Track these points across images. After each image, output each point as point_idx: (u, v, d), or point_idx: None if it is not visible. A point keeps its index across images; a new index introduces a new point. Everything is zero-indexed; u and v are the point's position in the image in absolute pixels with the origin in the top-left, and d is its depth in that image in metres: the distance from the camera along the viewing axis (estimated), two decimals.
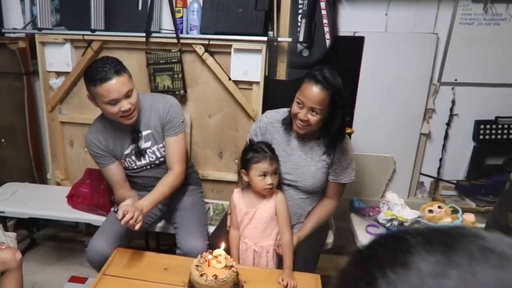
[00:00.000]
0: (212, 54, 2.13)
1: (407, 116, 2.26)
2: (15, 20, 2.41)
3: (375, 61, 2.18)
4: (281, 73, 2.19)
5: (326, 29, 2.05)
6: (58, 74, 2.37)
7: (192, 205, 1.91)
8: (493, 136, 2.25)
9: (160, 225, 2.00)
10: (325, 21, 2.06)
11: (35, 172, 2.66)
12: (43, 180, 2.67)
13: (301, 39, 2.05)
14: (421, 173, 2.40)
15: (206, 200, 2.17)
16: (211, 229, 1.92)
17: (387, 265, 0.36)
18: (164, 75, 2.16)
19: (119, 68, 1.55)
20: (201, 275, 1.34)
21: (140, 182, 1.88)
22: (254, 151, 1.57)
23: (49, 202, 2.24)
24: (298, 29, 2.06)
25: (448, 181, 2.39)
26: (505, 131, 2.25)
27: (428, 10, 2.12)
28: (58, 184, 2.54)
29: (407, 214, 1.93)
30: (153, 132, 1.75)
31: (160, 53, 2.14)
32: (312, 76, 1.49)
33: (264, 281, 1.49)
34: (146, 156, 1.79)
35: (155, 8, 2.11)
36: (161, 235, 2.26)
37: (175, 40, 2.11)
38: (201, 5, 2.09)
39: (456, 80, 2.21)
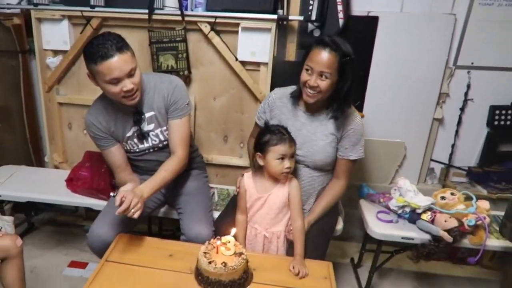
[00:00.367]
0: (218, 33, 2.03)
1: (420, 101, 2.18)
2: None
3: (388, 42, 2.09)
4: (291, 54, 2.10)
5: (340, 7, 1.95)
6: (56, 52, 2.27)
7: (197, 190, 1.84)
8: (508, 122, 2.18)
9: (163, 210, 1.93)
10: None
11: (32, 155, 2.58)
12: (40, 163, 2.59)
13: (313, 17, 1.95)
14: (432, 159, 2.34)
15: (210, 185, 2.10)
16: (216, 214, 1.86)
17: None
18: (168, 54, 2.06)
19: (121, 44, 1.45)
20: (210, 263, 1.28)
21: (142, 166, 1.80)
22: (272, 133, 1.51)
23: (47, 185, 2.17)
24: (310, 7, 1.96)
25: (460, 168, 2.32)
26: None
27: None
28: (56, 167, 2.46)
29: (420, 201, 1.87)
30: (157, 114, 1.66)
31: (163, 31, 2.04)
32: (319, 41, 1.48)
33: (275, 269, 1.43)
34: (149, 139, 1.70)
35: None
36: (164, 220, 2.20)
37: (179, 18, 2.01)
38: None
39: (472, 63, 2.12)
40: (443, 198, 1.91)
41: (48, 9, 2.13)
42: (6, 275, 1.57)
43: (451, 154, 2.31)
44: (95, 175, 2.04)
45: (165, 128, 1.70)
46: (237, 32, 2.01)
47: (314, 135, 1.64)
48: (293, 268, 1.41)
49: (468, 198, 1.90)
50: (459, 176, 2.35)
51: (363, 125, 1.67)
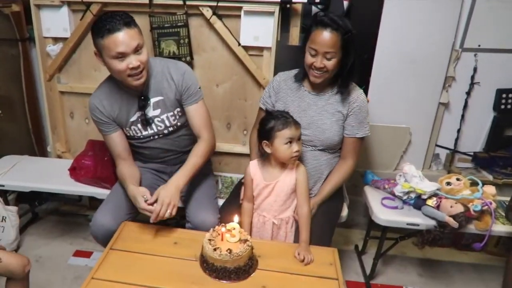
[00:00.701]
0: (220, 17, 1.99)
1: (426, 85, 2.14)
2: None
3: (394, 24, 2.03)
4: (294, 38, 2.06)
5: None
6: (56, 40, 2.23)
7: (202, 178, 1.83)
8: None
9: None
10: None
11: (35, 145, 2.57)
12: (43, 153, 2.58)
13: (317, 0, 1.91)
14: (437, 145, 2.31)
15: (214, 173, 2.08)
16: (220, 202, 1.85)
17: None
18: (170, 40, 2.03)
19: (129, 20, 1.45)
20: (215, 249, 1.28)
21: (146, 154, 1.79)
22: (275, 119, 1.49)
23: (50, 175, 2.16)
24: None
25: (465, 153, 2.30)
26: None
27: None
28: (59, 157, 2.45)
29: (426, 187, 1.85)
30: (165, 98, 1.65)
31: (164, 16, 2.00)
32: (319, 22, 1.48)
33: (280, 255, 1.42)
34: (153, 125, 1.68)
35: None
36: None
37: (180, 2, 1.96)
38: None
39: (479, 46, 2.07)
40: (448, 183, 1.89)
41: None
42: None
43: (456, 139, 2.28)
44: (98, 163, 2.03)
45: (171, 113, 1.68)
46: (239, 16, 1.97)
47: (321, 114, 1.65)
48: (298, 254, 1.40)
49: (473, 184, 1.89)
50: (465, 162, 2.33)
51: (367, 103, 1.69)
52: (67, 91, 2.33)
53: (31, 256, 1.63)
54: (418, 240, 1.80)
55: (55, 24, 2.16)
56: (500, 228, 1.81)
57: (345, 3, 1.92)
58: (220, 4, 1.94)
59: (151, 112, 1.65)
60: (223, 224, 1.36)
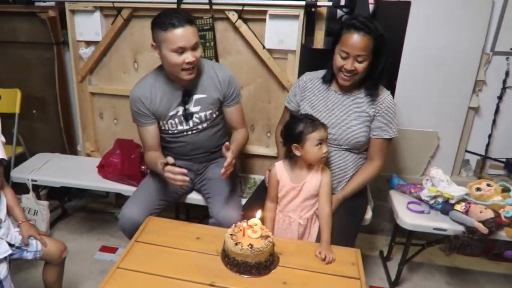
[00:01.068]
0: (245, 21, 2.03)
1: (455, 89, 2.10)
2: None
3: (421, 28, 2.01)
4: (319, 41, 2.07)
5: None
6: (88, 43, 2.33)
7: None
8: None
9: (190, 196, 1.95)
10: None
11: (66, 144, 2.66)
12: (73, 151, 2.67)
13: (342, 3, 1.91)
14: (466, 151, 2.24)
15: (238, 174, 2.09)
16: (243, 202, 1.85)
17: None
18: None
19: (191, 18, 1.55)
20: (236, 244, 1.29)
21: (177, 149, 1.83)
22: (303, 122, 1.51)
23: (80, 172, 2.24)
24: None
25: (497, 159, 2.22)
26: None
27: None
28: (88, 155, 2.53)
29: (454, 191, 1.80)
30: (208, 97, 1.72)
31: None
32: (351, 25, 1.49)
33: (301, 254, 1.41)
34: (190, 121, 1.75)
35: None
36: (191, 207, 2.22)
37: (207, 6, 2.02)
38: None
39: (511, 49, 2.01)
40: (478, 189, 1.83)
41: (81, 0, 2.19)
42: (47, 276, 1.63)
43: (487, 145, 2.21)
44: (125, 161, 2.09)
45: (210, 111, 1.75)
46: (264, 20, 2.00)
47: (347, 114, 1.64)
48: (320, 253, 1.39)
49: (505, 190, 1.81)
50: (496, 168, 2.25)
51: (395, 104, 1.67)
52: (97, 92, 2.43)
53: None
54: (446, 246, 1.74)
55: (87, 28, 2.26)
56: None
57: (371, 7, 1.91)
58: (245, 8, 1.98)
59: (192, 108, 1.72)
60: (245, 220, 1.37)
